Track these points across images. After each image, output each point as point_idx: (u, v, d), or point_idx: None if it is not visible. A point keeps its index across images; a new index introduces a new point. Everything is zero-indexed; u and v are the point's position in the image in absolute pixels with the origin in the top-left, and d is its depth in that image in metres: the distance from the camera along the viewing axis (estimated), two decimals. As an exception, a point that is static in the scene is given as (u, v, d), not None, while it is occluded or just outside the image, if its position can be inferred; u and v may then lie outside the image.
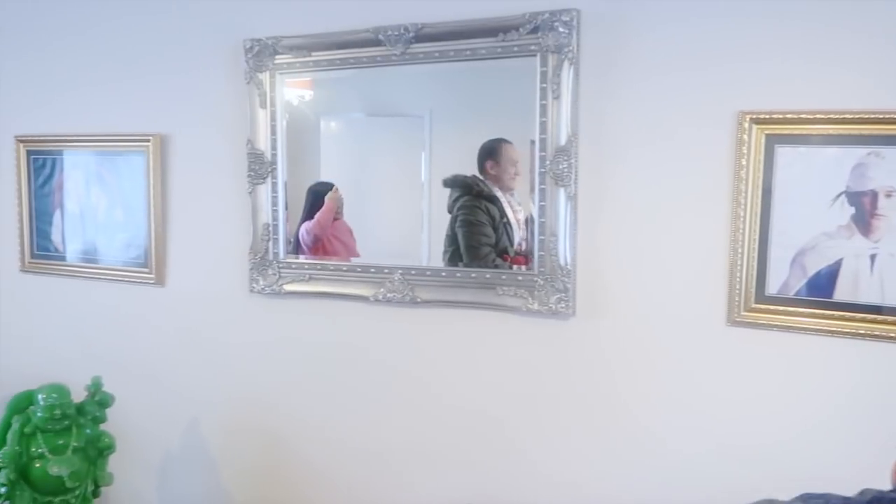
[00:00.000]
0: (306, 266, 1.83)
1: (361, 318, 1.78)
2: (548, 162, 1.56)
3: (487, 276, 1.64)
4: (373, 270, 1.75)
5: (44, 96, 2.17)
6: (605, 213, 1.54)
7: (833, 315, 1.37)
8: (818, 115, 1.36)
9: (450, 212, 1.70)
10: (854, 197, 1.35)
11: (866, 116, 1.31)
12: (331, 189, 1.84)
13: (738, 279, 1.44)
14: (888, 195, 1.33)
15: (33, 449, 1.69)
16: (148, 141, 1.99)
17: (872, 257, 1.34)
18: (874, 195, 1.33)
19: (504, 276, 1.62)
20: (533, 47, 1.56)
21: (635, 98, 1.50)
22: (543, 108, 1.56)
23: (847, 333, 1.35)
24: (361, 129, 1.89)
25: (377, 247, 1.81)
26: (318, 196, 1.84)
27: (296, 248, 1.86)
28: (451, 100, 1.75)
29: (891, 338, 1.33)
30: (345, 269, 1.78)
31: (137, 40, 2.01)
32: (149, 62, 1.99)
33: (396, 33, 1.67)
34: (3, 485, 1.63)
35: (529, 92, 1.58)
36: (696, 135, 1.46)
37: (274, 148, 1.84)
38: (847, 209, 1.35)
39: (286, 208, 1.85)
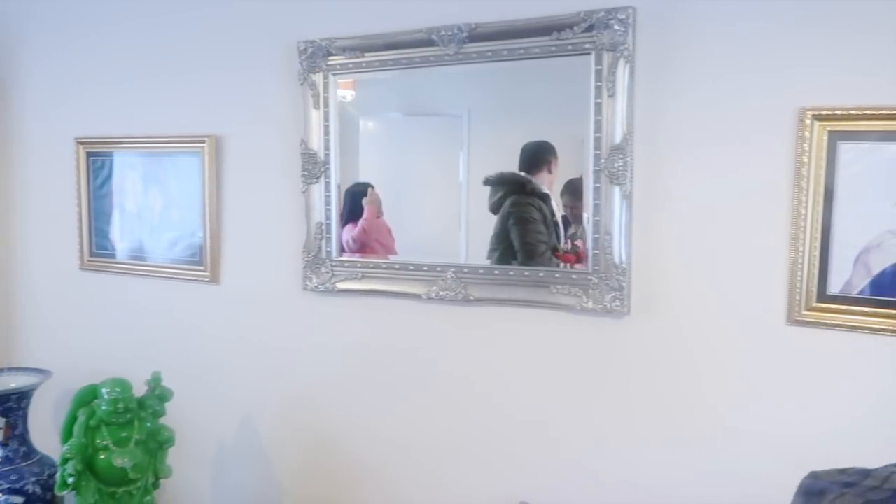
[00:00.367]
0: (359, 264, 1.85)
1: (413, 315, 1.80)
2: (602, 160, 1.56)
3: (541, 274, 1.64)
4: (425, 269, 1.77)
5: (102, 99, 2.23)
6: (660, 212, 1.54)
7: (899, 314, 1.34)
8: (883, 111, 1.33)
9: (493, 211, 1.71)
10: (922, 194, 1.32)
11: (935, 112, 1.29)
12: (364, 187, 1.86)
13: (798, 278, 1.42)
14: (958, 192, 1.30)
15: (98, 441, 1.74)
16: (203, 142, 2.03)
17: (941, 256, 1.32)
18: (943, 192, 1.31)
19: (557, 275, 1.63)
20: (587, 46, 1.56)
21: (692, 95, 1.49)
22: (598, 106, 1.56)
23: (914, 333, 1.33)
24: (399, 128, 1.90)
25: (415, 246, 1.83)
26: (356, 196, 1.87)
27: (339, 249, 1.88)
28: (490, 99, 1.75)
29: (961, 338, 1.30)
30: (397, 267, 1.80)
31: (193, 44, 2.06)
32: (204, 65, 2.04)
33: (450, 33, 1.68)
34: (71, 475, 1.69)
35: (580, 90, 1.58)
36: (755, 132, 1.44)
37: (327, 148, 1.87)
38: (914, 206, 1.33)
39: (339, 207, 1.88)
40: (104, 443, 1.74)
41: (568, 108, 1.65)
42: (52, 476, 2.11)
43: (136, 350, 2.19)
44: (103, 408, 1.75)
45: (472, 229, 1.76)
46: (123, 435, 1.76)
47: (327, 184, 1.88)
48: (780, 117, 1.42)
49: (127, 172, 2.22)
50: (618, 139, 1.54)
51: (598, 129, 1.57)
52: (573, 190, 1.63)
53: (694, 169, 1.50)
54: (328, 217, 1.88)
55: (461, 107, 1.79)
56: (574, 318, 1.61)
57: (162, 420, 1.84)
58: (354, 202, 1.87)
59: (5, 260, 2.46)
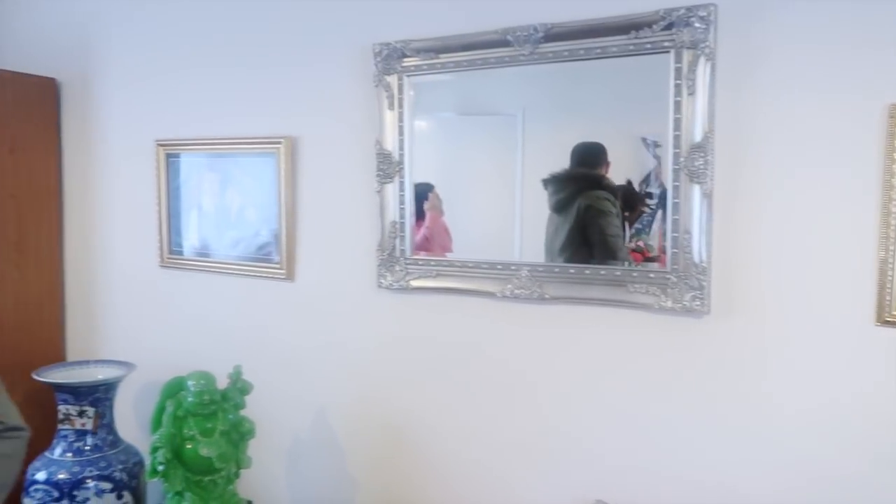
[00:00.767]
0: (433, 262, 1.88)
1: (487, 313, 1.82)
2: (682, 159, 1.55)
3: (617, 273, 1.65)
4: (499, 267, 1.79)
5: (182, 103, 2.32)
6: (742, 210, 1.52)
7: None
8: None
9: (557, 210, 1.72)
10: None
11: None
12: (429, 189, 1.90)
13: (889, 277, 1.39)
14: None
15: (185, 431, 1.82)
16: (279, 143, 2.09)
17: None
18: None
19: (635, 274, 1.63)
20: (667, 44, 1.56)
21: (775, 92, 1.48)
22: (677, 104, 1.55)
23: None
24: (453, 128, 1.92)
25: (470, 245, 1.85)
26: (417, 196, 1.90)
27: (413, 247, 1.92)
28: (545, 99, 1.76)
29: None
30: (471, 265, 1.83)
31: (270, 47, 2.12)
32: (281, 68, 2.10)
33: (525, 34, 1.70)
34: (161, 463, 1.76)
35: (654, 89, 1.58)
36: (842, 129, 1.42)
37: (401, 148, 1.91)
38: None
39: (413, 206, 1.91)
40: (191, 433, 1.81)
41: (633, 107, 1.66)
42: (136, 464, 2.21)
43: (213, 345, 2.27)
44: (189, 399, 1.82)
45: (528, 228, 1.77)
46: (209, 426, 1.83)
47: (401, 183, 1.91)
48: (868, 114, 1.39)
49: (205, 173, 2.30)
50: (698, 137, 1.54)
51: (676, 127, 1.56)
52: (626, 193, 1.64)
53: (778, 167, 1.48)
54: (402, 216, 1.92)
55: (516, 106, 1.80)
56: (652, 318, 1.61)
57: (242, 412, 1.91)
58: (416, 202, 1.91)
59: (91, 258, 2.58)
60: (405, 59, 1.87)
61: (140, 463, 2.23)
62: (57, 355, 2.58)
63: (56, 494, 2.07)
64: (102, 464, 2.14)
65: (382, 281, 1.94)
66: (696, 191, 1.54)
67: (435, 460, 1.93)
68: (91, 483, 2.10)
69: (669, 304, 1.58)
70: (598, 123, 1.69)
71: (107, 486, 2.12)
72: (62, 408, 2.15)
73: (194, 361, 2.11)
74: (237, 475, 1.91)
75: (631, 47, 1.60)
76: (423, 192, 1.90)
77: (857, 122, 1.40)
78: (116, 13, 2.45)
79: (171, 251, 2.38)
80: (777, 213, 1.49)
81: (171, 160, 2.35)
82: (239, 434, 1.88)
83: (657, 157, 1.62)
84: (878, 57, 1.37)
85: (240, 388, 1.90)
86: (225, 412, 1.86)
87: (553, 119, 1.76)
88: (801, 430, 1.48)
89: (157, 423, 1.83)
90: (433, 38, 1.82)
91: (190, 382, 1.83)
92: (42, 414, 2.44)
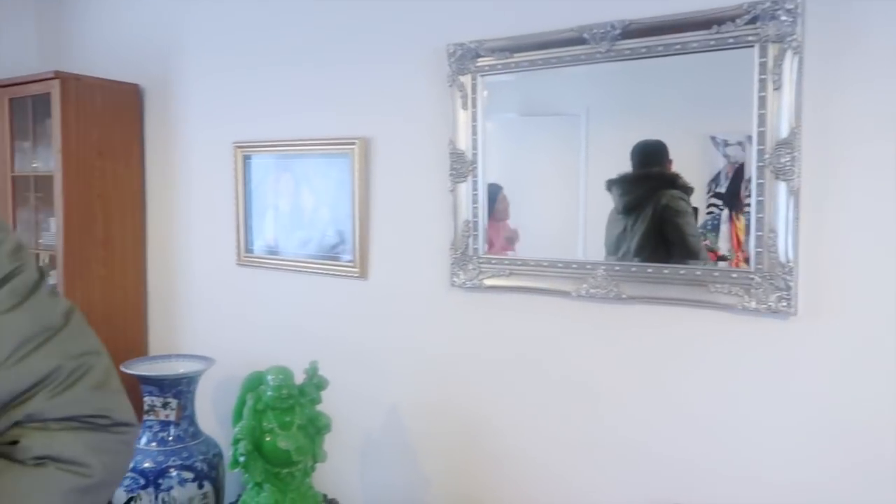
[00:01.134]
0: (506, 261, 1.89)
1: (562, 313, 1.81)
2: (766, 156, 1.51)
3: (698, 272, 1.61)
4: (574, 266, 1.78)
5: (258, 105, 2.39)
6: (831, 207, 1.47)
7: None
8: None
9: (626, 211, 1.70)
10: None
11: None
12: (497, 191, 1.90)
13: None
14: None
15: (265, 424, 1.87)
16: (353, 144, 2.13)
17: None
18: None
19: (717, 273, 1.59)
20: (751, 38, 1.52)
21: (866, 87, 1.42)
22: (762, 100, 1.52)
23: None
24: (516, 129, 1.91)
25: (534, 247, 1.85)
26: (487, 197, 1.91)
27: (486, 246, 1.93)
28: (609, 98, 1.74)
29: None
30: (546, 264, 1.82)
31: (344, 50, 2.16)
32: (355, 69, 2.14)
33: (602, 31, 1.68)
34: (242, 454, 1.82)
35: (732, 85, 1.55)
36: (943, 123, 1.36)
37: (475, 148, 1.92)
38: None
39: (486, 206, 1.92)
40: (270, 426, 1.87)
41: (703, 105, 1.64)
42: (216, 455, 2.29)
43: (289, 341, 2.33)
44: (269, 393, 1.87)
45: (591, 230, 1.76)
46: (287, 419, 1.88)
47: (475, 182, 1.92)
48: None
49: (280, 174, 2.36)
50: (784, 133, 1.49)
51: (761, 123, 1.52)
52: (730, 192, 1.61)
53: (869, 163, 1.43)
54: (475, 215, 1.93)
55: (580, 106, 1.78)
56: (734, 318, 1.57)
57: (318, 407, 1.95)
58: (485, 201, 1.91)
59: (171, 256, 2.69)
60: (479, 59, 1.88)
61: (219, 455, 2.31)
62: (141, 349, 2.70)
63: (142, 482, 2.16)
64: (185, 454, 2.22)
65: (455, 280, 1.96)
66: (783, 188, 1.50)
67: (506, 461, 1.93)
68: (174, 472, 2.19)
69: (753, 304, 1.54)
70: (663, 123, 1.66)
71: (188, 475, 2.20)
72: (147, 399, 2.25)
73: (270, 357, 2.17)
74: (313, 469, 1.95)
75: (712, 42, 1.57)
76: (492, 194, 1.91)
77: (959, 115, 1.34)
78: (196, 19, 2.54)
79: (248, 250, 2.45)
80: (868, 210, 1.43)
81: (247, 161, 2.43)
82: (315, 428, 1.92)
83: (727, 157, 1.59)
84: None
85: (316, 383, 1.94)
86: (302, 407, 1.91)
87: (617, 119, 1.74)
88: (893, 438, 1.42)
89: (238, 416, 1.89)
90: (507, 38, 1.82)
91: (269, 377, 1.89)
92: (127, 405, 2.55)
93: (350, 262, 2.18)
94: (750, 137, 1.54)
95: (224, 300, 2.53)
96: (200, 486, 2.22)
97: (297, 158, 2.31)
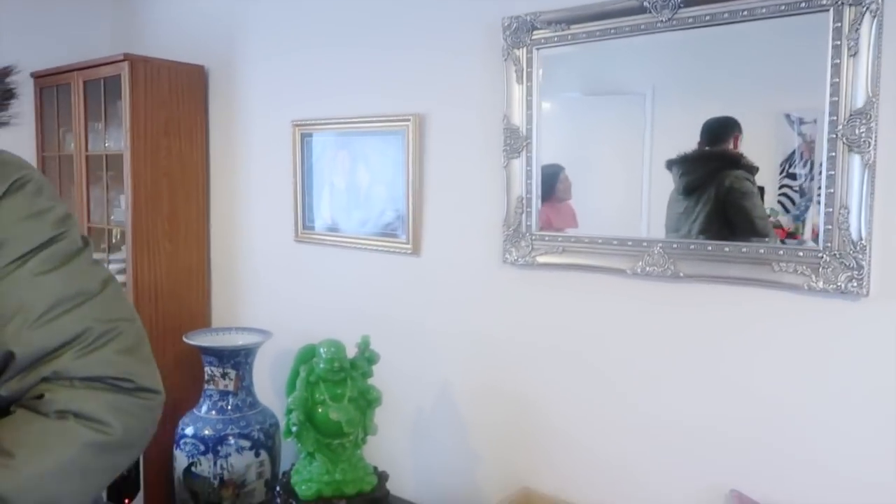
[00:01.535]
0: (560, 238, 1.85)
1: (616, 291, 1.77)
2: (839, 127, 1.42)
3: (761, 250, 1.54)
4: (630, 243, 1.73)
5: (315, 83, 2.41)
6: (910, 183, 1.38)
7: None
8: None
9: (687, 192, 1.64)
10: None
11: None
12: (558, 171, 1.86)
13: None
14: None
15: (317, 395, 1.90)
16: (408, 120, 2.13)
17: None
18: None
19: (781, 252, 1.51)
20: (825, 2, 1.43)
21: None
22: (836, 67, 1.43)
23: None
24: (579, 109, 1.86)
25: (596, 228, 1.79)
26: (545, 178, 1.87)
27: (539, 223, 1.90)
28: (677, 75, 1.66)
29: None
30: (600, 241, 1.78)
31: (398, 25, 2.16)
32: (409, 46, 2.13)
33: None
34: (295, 424, 1.86)
35: (805, 53, 1.46)
36: None
37: (529, 123, 1.88)
38: None
39: (540, 182, 1.89)
40: (322, 397, 1.90)
41: (776, 81, 1.54)
42: (272, 426, 2.35)
43: (344, 315, 2.36)
44: (321, 366, 1.90)
45: (654, 213, 1.70)
46: (338, 391, 1.90)
47: (528, 158, 1.89)
48: None
49: (336, 151, 2.38)
50: (859, 103, 1.40)
51: (834, 92, 1.43)
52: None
53: (955, 134, 1.32)
54: (529, 191, 1.89)
55: (645, 84, 1.72)
56: (800, 299, 1.50)
57: (370, 381, 1.97)
58: (545, 182, 1.88)
59: (233, 233, 2.76)
60: (535, 32, 1.84)
61: (275, 425, 2.37)
62: (204, 321, 2.79)
63: (202, 448, 2.24)
64: (242, 423, 2.29)
65: (508, 256, 1.93)
66: (856, 161, 1.41)
67: (557, 442, 1.90)
68: (232, 440, 2.26)
69: (821, 284, 1.46)
70: (733, 101, 1.58)
71: (246, 443, 2.27)
72: (207, 369, 2.32)
73: (325, 331, 2.20)
74: (364, 441, 1.97)
75: (782, 7, 1.48)
76: (553, 174, 1.87)
77: None
78: (259, 2, 2.58)
79: (305, 227, 2.49)
80: (954, 185, 1.33)
81: (305, 139, 2.46)
82: (366, 401, 1.94)
83: (802, 135, 1.50)
84: None
85: (367, 357, 1.96)
86: (353, 380, 1.93)
87: (684, 98, 1.67)
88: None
89: (291, 387, 1.93)
90: (564, 9, 1.77)
91: (321, 350, 1.92)
92: (191, 374, 2.65)
93: (403, 238, 2.19)
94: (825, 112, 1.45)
95: (282, 275, 2.59)
96: (257, 455, 2.28)
97: (352, 136, 2.33)
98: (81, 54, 2.91)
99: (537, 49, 1.85)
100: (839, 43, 1.42)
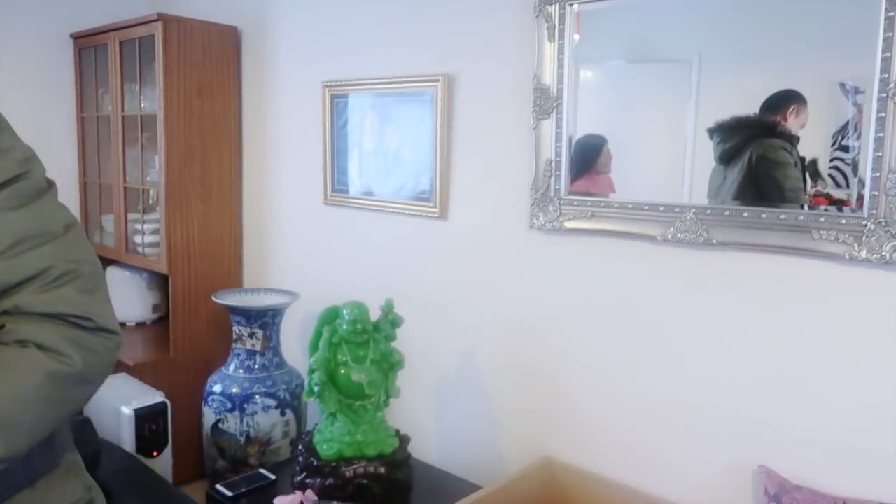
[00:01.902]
0: (589, 203, 1.79)
1: (645, 258, 1.71)
2: (890, 86, 1.33)
3: (800, 217, 1.46)
4: (661, 209, 1.66)
5: (345, 44, 2.38)
6: (967, 146, 1.27)
7: None
8: None
9: (723, 161, 1.57)
10: None
11: None
12: (601, 143, 1.78)
13: None
14: None
15: (339, 357, 1.90)
16: (437, 80, 2.08)
17: None
18: None
19: (822, 219, 1.43)
20: (880, -47, 1.32)
21: None
22: (890, 21, 1.33)
23: None
24: (621, 77, 1.78)
25: (636, 198, 1.72)
26: (587, 149, 1.80)
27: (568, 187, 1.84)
28: (726, 41, 1.58)
29: None
30: (630, 206, 1.71)
31: (431, -17, 2.10)
32: (439, 3, 2.07)
33: (705, -52, 1.52)
34: (317, 384, 1.86)
35: (863, 17, 1.36)
36: None
37: (560, 82, 1.81)
38: None
39: (570, 145, 1.82)
40: (344, 358, 1.89)
41: (831, 47, 1.44)
42: (298, 386, 2.37)
43: (370, 279, 2.35)
44: (344, 327, 1.89)
45: (696, 186, 1.62)
46: (361, 353, 1.90)
47: (559, 119, 1.83)
48: None
49: (366, 112, 2.35)
50: (913, 60, 1.30)
51: (886, 48, 1.33)
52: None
53: None
54: (558, 154, 1.83)
55: (691, 51, 1.63)
56: (840, 269, 1.42)
57: (393, 344, 1.96)
58: (586, 154, 1.81)
59: (264, 195, 2.77)
60: (567, -14, 1.76)
61: (301, 385, 2.39)
62: (235, 282, 2.82)
63: (229, 405, 2.28)
64: (269, 382, 2.31)
65: (535, 221, 1.89)
66: (907, 122, 1.31)
67: (582, 411, 1.86)
68: (259, 399, 2.28)
69: (864, 254, 1.37)
70: (785, 69, 1.49)
71: (272, 402, 2.29)
72: (235, 328, 2.35)
73: (351, 293, 2.20)
74: (386, 403, 1.97)
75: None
76: (596, 146, 1.80)
77: None
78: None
79: (334, 189, 2.48)
80: None
81: (335, 101, 2.43)
82: (389, 364, 1.93)
83: (857, 105, 1.40)
84: None
85: (391, 320, 1.94)
86: (376, 342, 1.92)
87: (732, 64, 1.58)
88: None
89: (314, 348, 1.93)
90: (599, -39, 1.69)
91: (345, 311, 1.91)
92: (221, 333, 2.69)
93: (431, 202, 2.15)
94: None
95: (311, 238, 2.59)
96: (283, 414, 2.31)
97: (382, 97, 2.29)
98: (119, 15, 2.93)
99: (569, 4, 1.77)
100: (893, 14, 1.31)
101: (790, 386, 1.50)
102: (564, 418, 1.91)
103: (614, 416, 1.80)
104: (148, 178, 2.80)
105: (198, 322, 2.69)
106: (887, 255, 1.34)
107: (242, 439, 2.27)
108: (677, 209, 1.63)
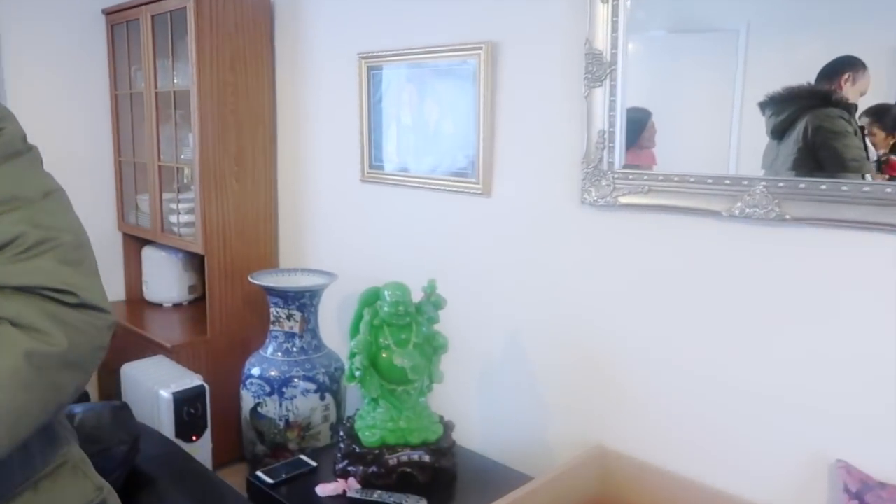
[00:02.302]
0: (645, 176, 1.67)
1: (709, 235, 1.58)
2: None
3: (888, 189, 1.32)
4: (727, 182, 1.53)
5: (382, 14, 2.27)
6: None
7: None
8: None
9: (777, 134, 1.46)
10: None
11: None
12: (645, 116, 1.67)
13: None
14: None
15: (381, 340, 1.83)
16: (479, 49, 1.96)
17: None
18: None
19: (913, 190, 1.29)
20: None
21: None
22: None
23: None
24: (663, 48, 1.66)
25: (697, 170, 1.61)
26: (631, 123, 1.69)
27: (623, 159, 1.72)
28: (777, 8, 1.45)
29: None
30: (692, 179, 1.59)
31: (473, -56, 1.97)
32: (483, -34, 1.95)
33: None
34: (358, 369, 1.79)
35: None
36: None
37: (614, 46, 1.68)
38: None
39: (624, 114, 1.70)
40: (386, 342, 1.82)
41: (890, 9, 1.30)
42: (337, 369, 2.31)
43: (410, 259, 2.27)
44: (385, 309, 1.82)
45: (744, 160, 1.52)
46: (403, 336, 1.82)
47: (612, 87, 1.70)
48: None
49: (404, 85, 2.25)
50: None
51: None
52: (879, 113, 1.32)
53: None
54: (612, 124, 1.71)
55: (738, 20, 1.51)
56: (934, 246, 1.28)
57: (436, 327, 1.87)
58: (631, 127, 1.69)
59: (300, 172, 2.69)
60: (623, -59, 1.62)
61: (340, 369, 2.33)
62: (271, 262, 2.76)
63: (268, 389, 2.23)
64: (307, 365, 2.26)
65: (586, 196, 1.77)
66: None
67: (638, 397, 1.76)
68: (298, 382, 2.23)
69: (962, 229, 1.23)
70: (840, 36, 1.37)
71: (311, 386, 2.24)
72: (273, 310, 2.29)
73: (391, 274, 2.12)
74: (430, 388, 1.89)
75: None
76: (641, 120, 1.68)
77: None
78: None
79: (372, 166, 2.39)
80: None
81: (372, 73, 2.33)
82: (432, 348, 1.85)
83: None
84: None
85: (434, 302, 1.86)
86: (419, 325, 1.84)
87: (785, 32, 1.46)
88: None
89: (355, 331, 1.86)
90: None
91: (386, 293, 1.83)
92: (258, 315, 2.64)
93: (473, 178, 2.05)
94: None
95: (348, 216, 2.51)
96: (322, 398, 2.25)
97: (421, 68, 2.18)
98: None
99: (626, -38, 1.64)
100: None
101: (874, 374, 1.38)
102: (618, 405, 1.80)
103: (675, 404, 1.69)
104: (182, 156, 2.75)
105: (234, 302, 2.64)
106: None
107: (282, 424, 2.22)
108: (745, 182, 1.50)
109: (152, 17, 2.67)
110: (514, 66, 1.93)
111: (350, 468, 1.81)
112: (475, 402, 2.15)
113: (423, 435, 1.84)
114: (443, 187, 2.15)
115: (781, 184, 1.45)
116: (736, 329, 1.57)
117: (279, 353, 2.27)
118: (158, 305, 2.97)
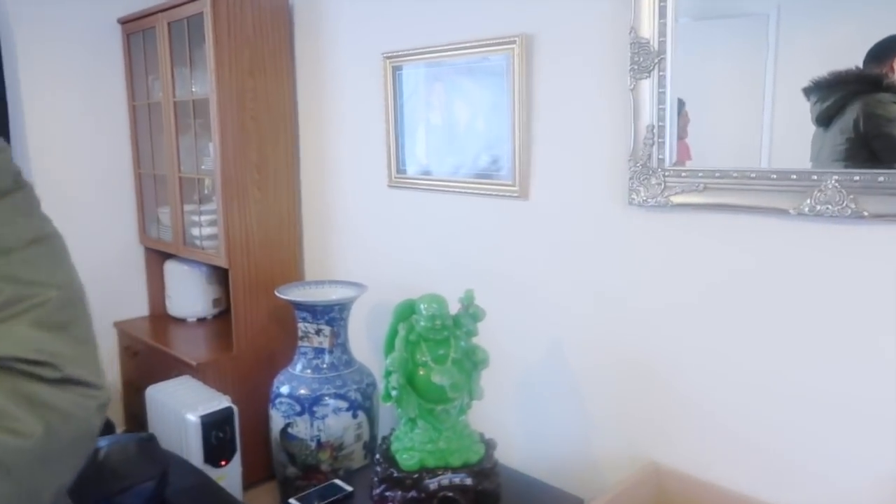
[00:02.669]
0: (700, 174, 1.54)
1: (774, 235, 1.45)
2: None
3: None
4: (794, 176, 1.40)
5: (407, 11, 2.16)
6: None
7: None
8: None
9: (823, 122, 1.35)
10: None
11: None
12: (680, 106, 1.57)
13: None
14: None
15: (418, 357, 1.71)
16: (513, 42, 1.84)
17: None
18: None
19: None
20: None
21: None
22: None
23: None
24: (688, 35, 1.55)
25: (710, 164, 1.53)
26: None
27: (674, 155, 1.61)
28: None
29: None
30: (753, 176, 1.46)
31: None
32: (514, -45, 1.83)
33: None
34: (395, 388, 1.68)
35: None
36: None
37: (662, 34, 1.56)
38: None
39: (675, 106, 1.57)
40: (423, 359, 1.71)
41: None
42: (370, 385, 2.20)
43: (443, 267, 2.15)
44: (422, 323, 1.71)
45: (777, 149, 1.43)
46: (441, 352, 1.71)
47: (661, 78, 1.57)
48: None
49: (432, 84, 2.14)
50: None
51: None
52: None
53: None
54: (661, 118, 1.58)
55: (769, 4, 1.42)
56: None
57: (474, 340, 1.76)
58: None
59: (324, 179, 2.60)
60: (669, -81, 1.50)
61: (373, 384, 2.22)
62: (296, 273, 2.67)
63: (298, 408, 2.13)
64: (338, 382, 2.15)
65: (634, 197, 1.64)
66: None
67: (693, 411, 1.63)
68: (329, 400, 2.12)
69: None
70: (877, 17, 1.29)
71: (342, 404, 2.13)
72: (301, 325, 2.19)
73: (423, 284, 2.01)
74: (469, 406, 1.78)
75: None
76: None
77: None
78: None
79: (399, 170, 2.28)
80: None
81: (397, 73, 2.23)
82: (472, 363, 1.74)
83: None
84: None
85: (472, 314, 1.74)
86: (457, 339, 1.73)
87: (818, 15, 1.37)
88: None
89: (389, 347, 1.75)
90: None
91: (422, 306, 1.72)
92: (285, 330, 2.55)
93: (509, 180, 1.93)
94: None
95: (375, 224, 2.40)
96: (354, 416, 2.15)
97: (449, 66, 2.07)
98: (165, -4, 2.78)
99: (672, -58, 1.51)
100: None
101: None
102: (672, 419, 1.67)
103: (734, 417, 1.56)
104: (203, 166, 2.66)
105: (260, 316, 2.55)
106: None
107: (313, 444, 2.12)
108: (815, 176, 1.37)
109: (169, 24, 2.59)
110: (550, 60, 1.81)
111: (388, 493, 1.70)
112: (514, 416, 2.03)
113: (465, 456, 1.72)
114: (475, 191, 2.04)
115: (857, 177, 1.32)
116: (811, 336, 1.43)
117: (308, 371, 2.17)
118: (182, 320, 2.89)
